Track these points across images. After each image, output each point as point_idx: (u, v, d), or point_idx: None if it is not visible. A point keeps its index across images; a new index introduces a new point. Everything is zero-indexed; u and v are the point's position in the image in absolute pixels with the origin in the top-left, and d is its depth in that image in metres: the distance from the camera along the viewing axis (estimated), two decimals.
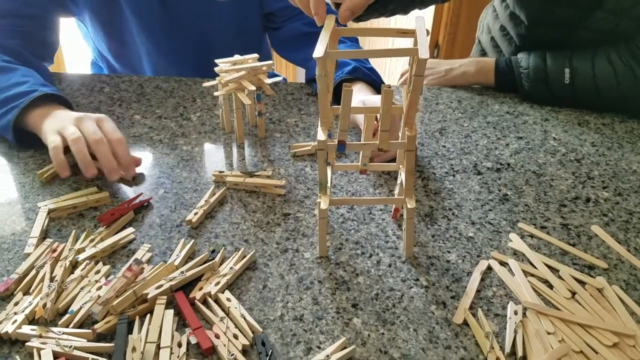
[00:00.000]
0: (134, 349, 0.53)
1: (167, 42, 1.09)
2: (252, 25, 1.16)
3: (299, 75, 2.87)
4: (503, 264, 0.67)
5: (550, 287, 0.64)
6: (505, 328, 0.58)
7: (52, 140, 0.77)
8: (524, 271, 0.66)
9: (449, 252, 0.69)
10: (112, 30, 1.08)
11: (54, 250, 0.65)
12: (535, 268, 0.66)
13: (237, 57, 0.88)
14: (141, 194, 0.77)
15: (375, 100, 0.86)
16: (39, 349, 0.53)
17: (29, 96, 0.83)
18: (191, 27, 1.08)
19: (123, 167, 0.78)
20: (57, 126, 0.79)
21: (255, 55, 0.88)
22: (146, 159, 0.85)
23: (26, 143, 0.86)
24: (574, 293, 0.63)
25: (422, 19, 0.60)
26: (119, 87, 1.05)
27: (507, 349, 0.56)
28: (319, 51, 0.55)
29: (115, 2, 1.03)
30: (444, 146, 0.91)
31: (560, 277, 0.65)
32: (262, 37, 1.22)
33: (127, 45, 1.11)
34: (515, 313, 0.59)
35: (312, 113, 0.99)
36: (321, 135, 0.60)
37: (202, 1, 1.05)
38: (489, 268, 0.67)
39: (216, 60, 0.87)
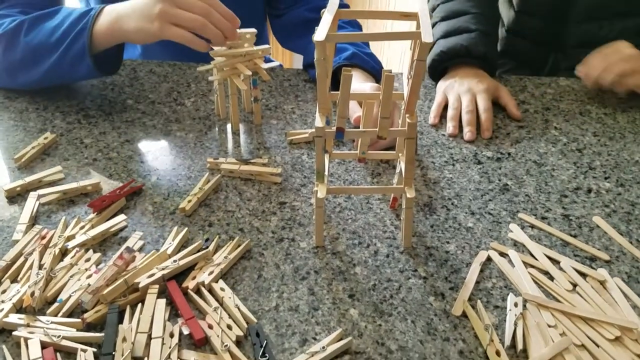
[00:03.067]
0: (124, 339, 0.52)
1: None
2: (254, 13, 1.14)
3: (295, 62, 2.84)
4: (503, 255, 0.66)
5: (551, 279, 0.63)
6: (505, 320, 0.57)
7: (179, 35, 0.77)
8: (524, 262, 0.64)
9: (447, 242, 0.67)
10: None
11: (43, 237, 0.64)
12: (536, 259, 0.65)
13: None
14: (133, 180, 0.75)
15: (364, 88, 0.84)
16: (26, 339, 0.52)
17: (89, 14, 0.81)
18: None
19: (230, 20, 0.79)
20: (151, 19, 0.76)
21: (253, 30, 0.85)
22: (139, 145, 0.83)
23: (106, 67, 0.86)
24: (575, 285, 0.62)
25: (425, 1, 0.59)
26: None
27: (507, 342, 0.54)
28: (320, 34, 0.53)
29: None
30: (444, 135, 0.89)
31: (561, 269, 0.64)
32: (263, 26, 1.20)
33: None
34: (516, 305, 0.58)
35: (310, 100, 0.97)
36: (319, 122, 0.59)
37: None
38: (489, 259, 0.65)
39: None
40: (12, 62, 0.86)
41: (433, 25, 1.06)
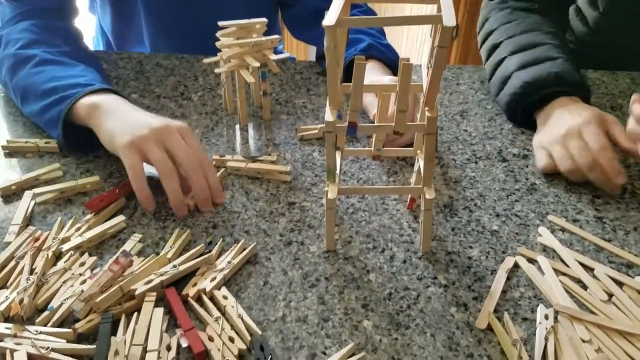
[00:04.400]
0: (117, 352, 0.48)
1: (175, 25, 1.04)
2: (265, 2, 1.10)
3: (310, 54, 2.79)
4: (531, 261, 0.61)
5: (585, 288, 0.57)
6: (535, 334, 0.52)
7: (132, 164, 0.63)
8: (554, 269, 0.59)
9: (470, 247, 0.62)
10: (119, 6, 1.03)
11: (37, 239, 0.60)
12: (568, 266, 0.60)
13: (242, 21, 0.79)
14: None
15: (383, 80, 0.79)
16: (12, 350, 0.48)
17: (85, 88, 0.71)
18: (202, 10, 1.02)
19: (213, 194, 0.67)
20: (130, 134, 0.64)
21: (264, 19, 0.80)
22: None
23: (74, 143, 0.74)
24: (611, 295, 0.57)
25: None
26: (116, 64, 0.99)
27: (537, 359, 0.49)
28: (329, 19, 0.48)
29: None
30: (466, 130, 0.84)
31: (595, 277, 0.59)
32: (275, 16, 1.15)
33: (132, 25, 1.05)
34: (546, 317, 0.53)
35: (322, 94, 0.92)
36: (329, 116, 0.54)
37: None
38: (516, 266, 0.60)
39: (220, 23, 0.79)
40: (6, 83, 0.81)
41: (500, 62, 0.89)
